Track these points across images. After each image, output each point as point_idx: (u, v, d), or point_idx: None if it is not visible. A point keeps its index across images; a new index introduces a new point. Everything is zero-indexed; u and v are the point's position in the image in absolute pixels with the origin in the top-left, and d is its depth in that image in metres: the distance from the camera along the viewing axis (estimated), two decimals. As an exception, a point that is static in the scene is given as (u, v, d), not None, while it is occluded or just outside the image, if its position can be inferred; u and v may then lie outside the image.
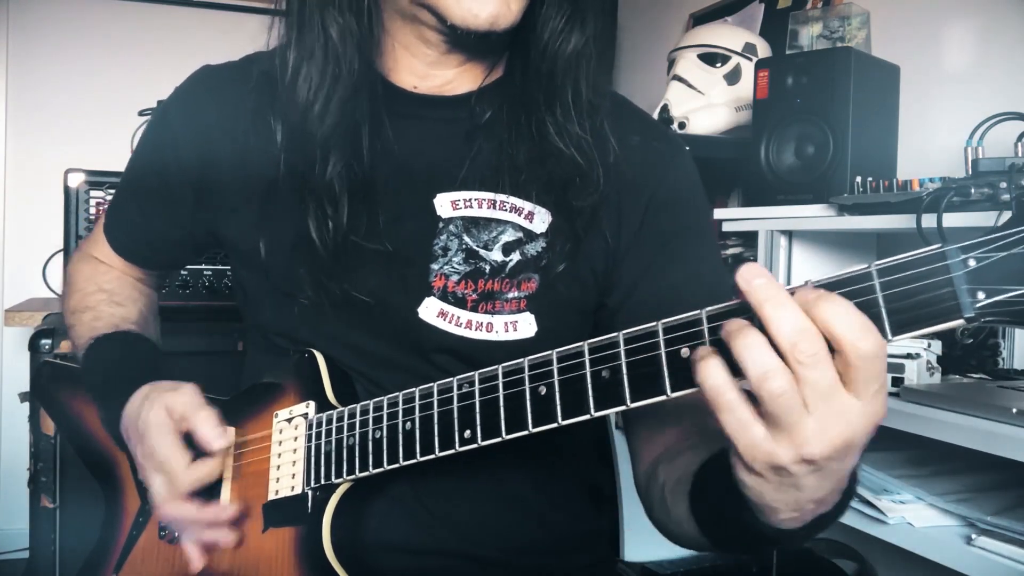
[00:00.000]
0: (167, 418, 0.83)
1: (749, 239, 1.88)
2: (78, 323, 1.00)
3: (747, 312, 0.53)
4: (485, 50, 0.87)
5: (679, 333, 0.57)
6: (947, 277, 0.49)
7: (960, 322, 0.49)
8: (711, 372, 0.52)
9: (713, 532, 0.69)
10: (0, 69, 3.00)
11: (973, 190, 1.36)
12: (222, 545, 0.84)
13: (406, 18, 0.84)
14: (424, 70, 0.88)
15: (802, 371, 0.49)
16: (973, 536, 1.16)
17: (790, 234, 1.78)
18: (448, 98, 0.89)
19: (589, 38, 0.84)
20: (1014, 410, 1.09)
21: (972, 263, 0.49)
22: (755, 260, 1.80)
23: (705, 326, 0.56)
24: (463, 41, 0.83)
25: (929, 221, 1.38)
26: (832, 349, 0.50)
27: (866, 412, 0.51)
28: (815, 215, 1.71)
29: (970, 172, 1.42)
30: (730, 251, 1.99)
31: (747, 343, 0.50)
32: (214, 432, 0.81)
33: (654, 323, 0.59)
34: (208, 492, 0.86)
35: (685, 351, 0.57)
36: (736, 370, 0.52)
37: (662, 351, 0.58)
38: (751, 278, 0.51)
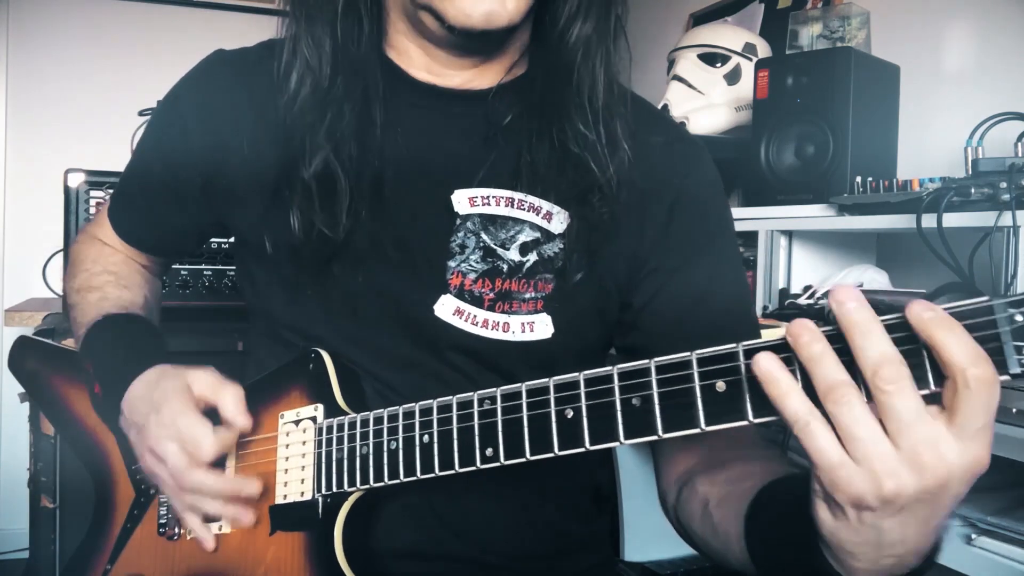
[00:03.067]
0: (188, 390, 0.82)
1: (749, 239, 1.88)
2: (83, 302, 0.99)
3: (786, 350, 0.53)
4: (496, 49, 0.86)
5: (714, 367, 0.56)
6: (993, 332, 0.48)
7: (1005, 379, 0.48)
8: (790, 400, 0.51)
9: (765, 563, 0.65)
10: (0, 69, 3.00)
11: (973, 190, 1.36)
12: (243, 523, 0.83)
13: (412, 21, 0.84)
14: (440, 69, 0.87)
15: (884, 399, 0.48)
16: (973, 536, 1.16)
17: (790, 234, 1.78)
18: (467, 93, 0.88)
19: (605, 26, 0.84)
20: (1014, 410, 1.09)
21: (1019, 318, 0.48)
22: (755, 260, 1.80)
23: (742, 361, 0.55)
24: (467, 42, 0.82)
25: (929, 221, 1.38)
26: (943, 376, 0.49)
27: (964, 452, 0.48)
28: (815, 215, 1.71)
29: (970, 172, 1.42)
30: (730, 251, 1.98)
31: (819, 359, 0.50)
32: (240, 407, 0.81)
33: (688, 353, 0.58)
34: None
35: (721, 385, 0.56)
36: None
37: (696, 384, 0.57)
38: (844, 300, 0.50)
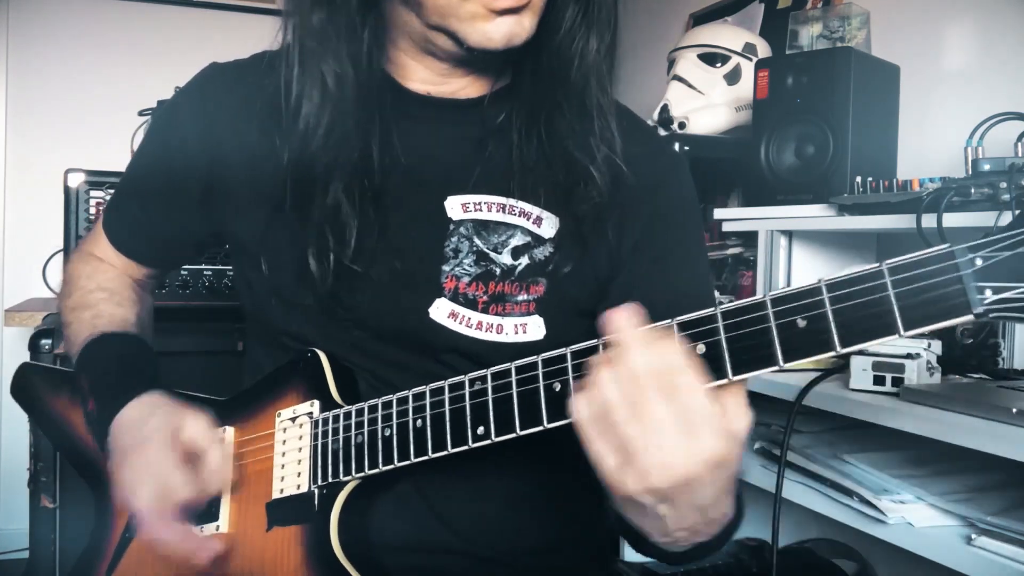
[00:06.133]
0: (175, 434, 0.82)
1: (749, 239, 1.88)
2: (76, 320, 0.99)
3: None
4: (498, 63, 0.88)
5: (695, 330, 0.60)
6: (956, 275, 0.51)
7: (969, 318, 0.51)
8: (578, 406, 0.58)
9: (630, 541, 0.75)
10: (0, 69, 3.00)
11: (973, 190, 1.36)
12: (197, 569, 0.83)
13: (417, 40, 0.85)
14: (438, 79, 0.88)
15: (640, 407, 0.54)
16: (973, 536, 1.15)
17: (790, 234, 1.78)
18: (460, 101, 0.89)
19: (602, 41, 0.85)
20: (1014, 410, 1.09)
21: (979, 262, 0.51)
22: (755, 260, 1.80)
23: (720, 321, 0.59)
24: (482, 58, 0.83)
25: (929, 221, 1.38)
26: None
27: (703, 449, 0.55)
28: (815, 215, 1.71)
29: (970, 172, 1.42)
30: (730, 251, 1.99)
31: (594, 379, 0.57)
32: (222, 467, 0.82)
33: (670, 320, 0.61)
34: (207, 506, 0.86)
35: (701, 347, 0.60)
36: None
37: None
38: (612, 320, 0.57)
